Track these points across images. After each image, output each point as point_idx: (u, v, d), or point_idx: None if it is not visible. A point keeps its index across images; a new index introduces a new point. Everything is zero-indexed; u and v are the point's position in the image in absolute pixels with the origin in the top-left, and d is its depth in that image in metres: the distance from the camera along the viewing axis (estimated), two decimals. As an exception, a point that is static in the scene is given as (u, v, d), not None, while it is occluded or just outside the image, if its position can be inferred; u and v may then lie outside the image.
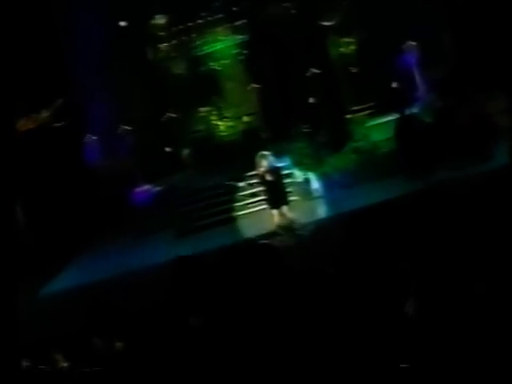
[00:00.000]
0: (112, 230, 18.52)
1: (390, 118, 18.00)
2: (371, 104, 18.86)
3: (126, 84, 20.11)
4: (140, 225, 18.33)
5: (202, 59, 20.65)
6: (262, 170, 14.57)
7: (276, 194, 14.77)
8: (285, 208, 14.85)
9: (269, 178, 14.62)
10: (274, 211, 14.87)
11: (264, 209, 16.15)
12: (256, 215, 17.08)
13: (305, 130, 18.11)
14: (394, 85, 18.90)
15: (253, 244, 14.08)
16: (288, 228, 14.55)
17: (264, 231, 14.99)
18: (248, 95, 21.01)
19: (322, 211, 16.46)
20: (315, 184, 17.17)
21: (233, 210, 17.67)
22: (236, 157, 19.26)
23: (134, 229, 18.31)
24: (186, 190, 18.94)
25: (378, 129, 17.98)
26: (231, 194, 17.96)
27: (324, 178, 17.12)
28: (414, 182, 15.54)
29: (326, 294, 6.36)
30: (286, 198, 15.04)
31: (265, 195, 15.15)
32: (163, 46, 20.27)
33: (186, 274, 7.92)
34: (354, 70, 19.51)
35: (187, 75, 20.64)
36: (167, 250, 16.45)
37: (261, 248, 9.53)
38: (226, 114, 21.18)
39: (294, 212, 15.16)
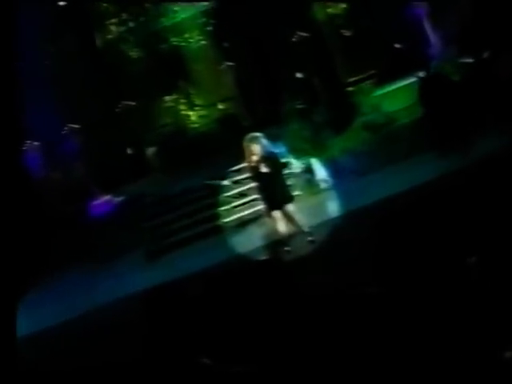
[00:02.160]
0: (65, 258, 14.39)
1: (404, 82, 14.25)
2: (375, 71, 15.08)
3: (70, 74, 16.14)
4: (100, 247, 14.25)
5: (161, 35, 16.61)
6: (255, 158, 10.71)
7: (275, 190, 10.84)
8: (289, 207, 10.96)
9: (264, 168, 10.76)
10: (275, 213, 10.99)
11: (260, 211, 12.29)
12: (250, 221, 13.23)
13: (298, 108, 14.25)
14: (400, 45, 15.18)
15: (250, 262, 10.36)
16: (296, 235, 10.75)
17: (263, 242, 11.23)
18: (222, 76, 17.13)
19: (335, 208, 12.55)
20: (320, 173, 13.34)
21: (217, 217, 13.76)
22: (214, 152, 15.39)
23: (92, 253, 14.20)
24: (155, 198, 14.97)
25: (391, 97, 14.22)
26: (212, 197, 14.03)
27: (331, 165, 13.31)
28: (448, 159, 11.84)
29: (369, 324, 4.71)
30: (289, 194, 11.15)
31: (260, 193, 11.33)
32: (112, 22, 16.28)
33: (161, 309, 6.31)
34: (347, 33, 15.77)
35: (145, 57, 16.66)
36: (136, 277, 12.75)
37: (262, 267, 7.35)
38: (197, 102, 17.23)
39: (301, 213, 11.39)
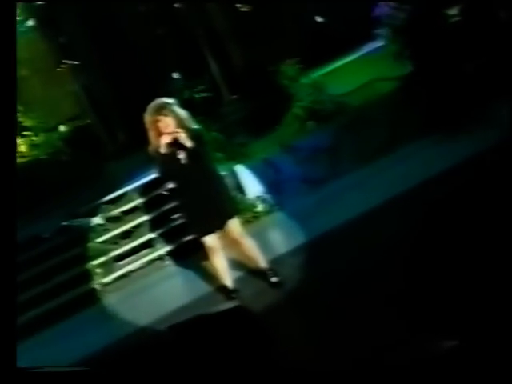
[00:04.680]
0: None
1: (350, 57, 9.91)
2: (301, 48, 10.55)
3: None
4: None
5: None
6: (166, 140, 5.93)
7: (208, 195, 6.17)
8: (234, 225, 6.37)
9: (184, 158, 6.01)
10: (210, 241, 6.33)
11: (166, 254, 7.31)
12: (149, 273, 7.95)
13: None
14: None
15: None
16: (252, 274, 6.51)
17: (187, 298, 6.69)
18: (62, 82, 11.79)
19: (292, 235, 7.46)
20: (253, 188, 8.34)
21: (87, 278, 8.24)
22: (61, 190, 9.91)
23: None
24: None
25: (335, 78, 9.69)
26: (77, 245, 8.52)
27: (268, 173, 8.38)
28: (443, 146, 7.63)
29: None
30: (231, 201, 6.60)
31: (180, 203, 6.64)
32: None
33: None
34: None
35: None
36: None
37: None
38: (28, 124, 11.65)
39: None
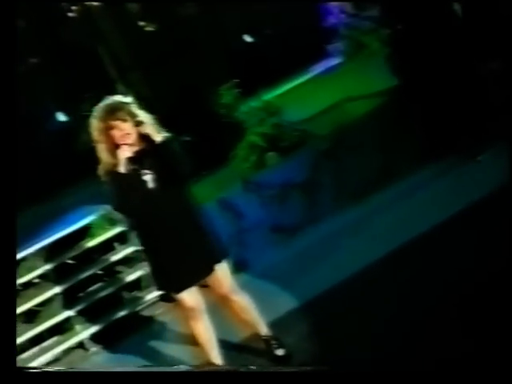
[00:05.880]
0: None
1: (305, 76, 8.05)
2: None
3: None
4: None
5: None
6: (127, 152, 4.28)
7: (186, 233, 4.46)
8: (221, 274, 4.56)
9: (152, 181, 4.38)
10: (187, 297, 4.55)
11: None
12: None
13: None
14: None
15: None
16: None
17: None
18: None
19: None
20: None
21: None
22: None
23: None
24: None
25: (291, 100, 7.68)
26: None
27: (230, 218, 6.16)
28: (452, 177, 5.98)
29: None
30: (217, 239, 4.58)
31: (146, 250, 4.68)
32: None
33: None
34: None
35: None
36: None
37: None
38: None
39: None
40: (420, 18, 6.23)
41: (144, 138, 4.30)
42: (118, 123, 4.26)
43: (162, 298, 5.92)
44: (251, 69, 8.42)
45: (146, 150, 4.31)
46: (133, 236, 6.08)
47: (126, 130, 4.25)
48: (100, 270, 6.14)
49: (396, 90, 6.65)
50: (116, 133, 4.25)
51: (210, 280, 4.58)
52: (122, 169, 4.23)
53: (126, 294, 6.10)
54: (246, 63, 8.63)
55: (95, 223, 6.22)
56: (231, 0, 8.83)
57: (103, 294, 6.01)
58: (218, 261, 4.51)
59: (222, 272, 4.55)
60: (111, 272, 6.17)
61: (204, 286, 4.65)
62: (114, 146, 4.27)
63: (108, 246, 6.27)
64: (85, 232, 6.18)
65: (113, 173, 4.27)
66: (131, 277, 6.10)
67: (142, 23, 9.01)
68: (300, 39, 8.34)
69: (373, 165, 6.27)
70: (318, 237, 6.11)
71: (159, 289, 5.13)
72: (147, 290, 6.04)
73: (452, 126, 6.12)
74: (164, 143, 4.31)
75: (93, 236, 6.18)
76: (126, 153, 4.22)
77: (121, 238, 6.30)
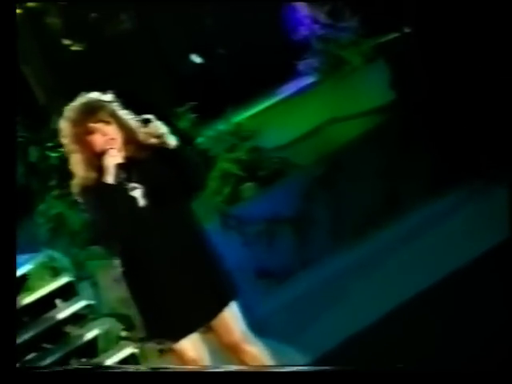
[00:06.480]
0: None
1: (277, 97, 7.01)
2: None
3: None
4: None
5: None
6: (116, 158, 3.46)
7: (187, 263, 3.56)
8: (230, 318, 3.61)
9: (144, 196, 3.50)
10: (189, 346, 3.58)
11: None
12: None
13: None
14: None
15: None
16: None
17: None
18: None
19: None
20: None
21: None
22: None
23: None
24: None
25: (261, 125, 6.60)
26: None
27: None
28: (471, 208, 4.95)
29: None
30: (224, 274, 3.69)
31: (133, 288, 3.63)
32: None
33: None
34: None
35: None
36: None
37: None
38: None
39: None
40: (430, 22, 5.29)
41: (131, 144, 3.50)
42: (99, 126, 3.46)
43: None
44: (205, 92, 7.40)
45: (134, 159, 3.49)
46: (82, 287, 4.92)
47: (111, 135, 3.45)
48: (42, 331, 4.89)
49: (395, 105, 5.64)
50: (97, 138, 3.46)
51: (215, 325, 3.69)
52: (109, 179, 3.41)
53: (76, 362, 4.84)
54: (198, 86, 7.64)
55: (33, 273, 5.03)
56: (171, 13, 7.89)
57: (47, 362, 4.71)
58: (226, 302, 3.63)
59: (231, 316, 3.67)
60: (57, 334, 4.91)
61: (207, 332, 3.77)
62: (94, 156, 3.47)
63: (50, 302, 5.05)
64: (20, 284, 4.96)
65: (93, 189, 3.45)
66: (83, 339, 4.84)
67: (66, 41, 7.93)
68: (263, 57, 7.35)
69: (376, 193, 5.20)
70: (311, 285, 4.99)
71: (151, 337, 3.93)
72: (104, 354, 4.79)
73: (470, 144, 5.13)
74: (177, 149, 3.51)
75: (31, 290, 4.97)
76: (115, 158, 3.42)
77: (67, 292, 5.07)
